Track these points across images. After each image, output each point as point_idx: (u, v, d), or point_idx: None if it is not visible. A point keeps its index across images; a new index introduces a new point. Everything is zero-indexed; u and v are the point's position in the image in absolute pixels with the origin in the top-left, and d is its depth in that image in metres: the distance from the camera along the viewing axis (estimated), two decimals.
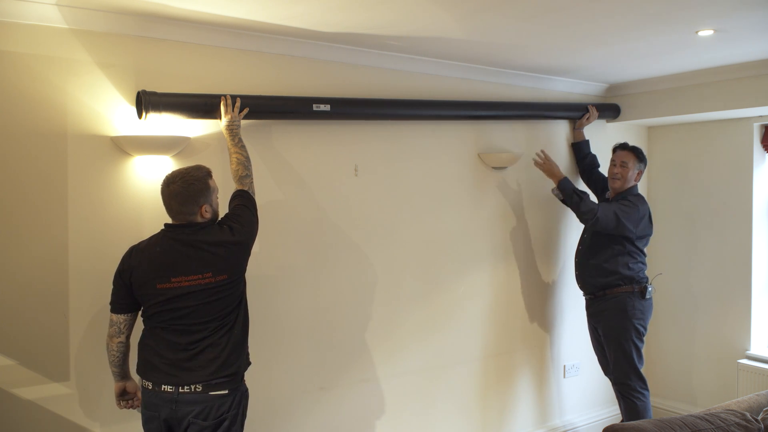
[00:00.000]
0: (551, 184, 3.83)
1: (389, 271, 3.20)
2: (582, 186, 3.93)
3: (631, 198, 3.37)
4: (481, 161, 3.54)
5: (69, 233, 2.38)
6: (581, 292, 3.68)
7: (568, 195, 3.36)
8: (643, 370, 3.40)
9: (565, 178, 3.41)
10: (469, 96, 3.46)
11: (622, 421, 3.62)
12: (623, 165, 3.42)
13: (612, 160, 3.50)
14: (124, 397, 2.31)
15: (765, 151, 3.85)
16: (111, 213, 2.47)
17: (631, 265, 3.37)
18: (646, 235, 3.41)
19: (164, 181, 2.17)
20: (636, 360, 3.36)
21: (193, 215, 2.16)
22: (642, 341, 3.39)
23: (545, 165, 3.46)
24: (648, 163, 4.36)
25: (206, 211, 2.18)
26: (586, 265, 3.50)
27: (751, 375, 3.75)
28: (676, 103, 3.81)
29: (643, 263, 3.43)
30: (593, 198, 3.79)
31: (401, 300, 3.25)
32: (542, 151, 3.49)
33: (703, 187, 4.07)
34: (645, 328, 3.40)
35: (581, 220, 3.35)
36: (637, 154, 3.43)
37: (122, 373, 2.28)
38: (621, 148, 3.48)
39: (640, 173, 3.45)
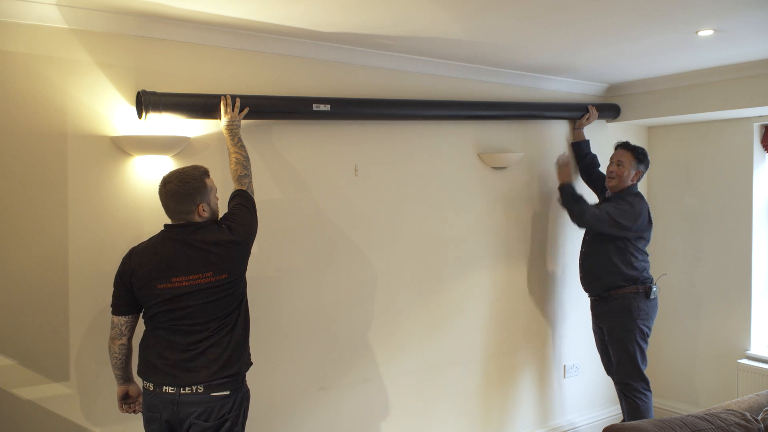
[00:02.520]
0: (550, 182, 3.84)
1: (389, 271, 3.20)
2: (583, 187, 3.94)
3: (627, 197, 3.36)
4: (481, 161, 3.54)
5: (69, 233, 2.38)
6: (582, 292, 3.68)
7: (566, 197, 3.44)
8: (645, 371, 3.40)
9: (568, 183, 3.51)
10: (469, 96, 3.46)
11: (623, 421, 3.62)
12: (619, 164, 3.41)
13: (610, 158, 3.50)
14: (126, 401, 2.31)
15: (765, 151, 3.85)
16: (111, 213, 2.47)
17: (635, 265, 3.36)
18: (645, 232, 3.39)
19: (161, 181, 2.18)
20: (640, 361, 3.36)
21: (190, 214, 2.16)
22: (646, 342, 3.39)
23: (566, 167, 3.60)
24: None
25: (204, 210, 2.18)
26: (590, 267, 3.50)
27: (751, 375, 3.75)
28: (676, 103, 3.81)
29: (646, 263, 3.42)
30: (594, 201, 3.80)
31: (401, 300, 3.25)
32: (567, 156, 3.67)
33: (703, 187, 4.07)
34: (649, 329, 3.39)
35: (572, 221, 3.42)
36: (636, 154, 3.39)
37: (125, 377, 2.27)
38: (621, 146, 3.47)
39: (638, 174, 3.42)
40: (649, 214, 3.40)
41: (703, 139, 4.07)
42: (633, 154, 3.40)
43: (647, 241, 3.44)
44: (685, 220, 4.18)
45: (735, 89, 3.53)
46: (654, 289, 3.38)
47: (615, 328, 3.40)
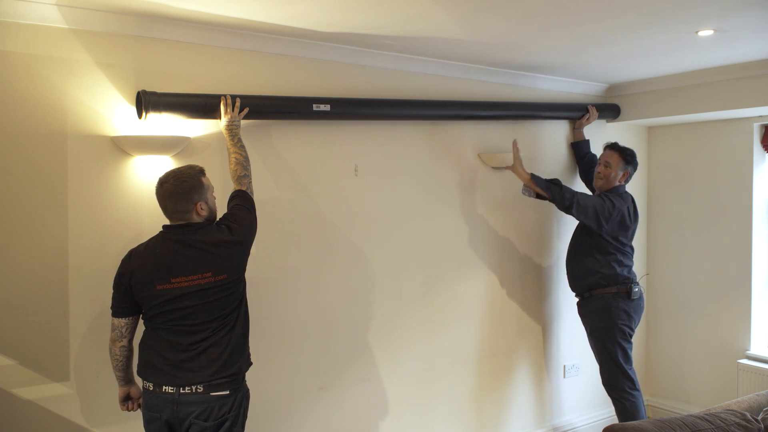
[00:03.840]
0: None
1: (389, 271, 3.20)
2: (581, 186, 3.94)
3: (611, 195, 3.34)
4: (481, 161, 3.54)
5: (69, 233, 2.38)
6: None
7: (544, 188, 3.24)
8: (641, 371, 3.40)
9: (533, 174, 3.27)
10: (469, 96, 3.46)
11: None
12: (606, 165, 3.40)
13: (599, 158, 3.50)
14: (127, 402, 2.32)
15: (765, 151, 3.85)
16: (111, 213, 2.47)
17: (613, 264, 3.36)
18: (618, 233, 3.36)
19: (158, 182, 2.18)
20: (622, 361, 3.35)
21: (188, 213, 2.16)
22: (628, 342, 3.38)
23: (516, 161, 3.27)
24: (648, 163, 4.37)
25: (202, 209, 2.18)
26: (573, 266, 3.53)
27: (751, 375, 3.75)
28: (676, 103, 3.81)
29: (626, 264, 3.42)
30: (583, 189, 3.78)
31: (400, 300, 3.25)
32: (515, 142, 3.32)
33: (703, 187, 4.07)
34: (631, 329, 3.39)
35: (563, 208, 3.26)
36: (624, 156, 3.39)
37: (126, 378, 2.28)
38: (609, 147, 3.46)
39: (626, 175, 3.41)
40: (630, 214, 3.38)
41: (703, 139, 4.07)
42: (621, 156, 3.39)
43: (628, 241, 3.43)
44: (684, 220, 4.18)
45: (735, 89, 3.53)
46: (636, 289, 3.37)
47: (596, 328, 3.42)
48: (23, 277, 2.32)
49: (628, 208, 3.38)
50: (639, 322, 3.47)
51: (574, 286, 3.57)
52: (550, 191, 3.25)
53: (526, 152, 3.70)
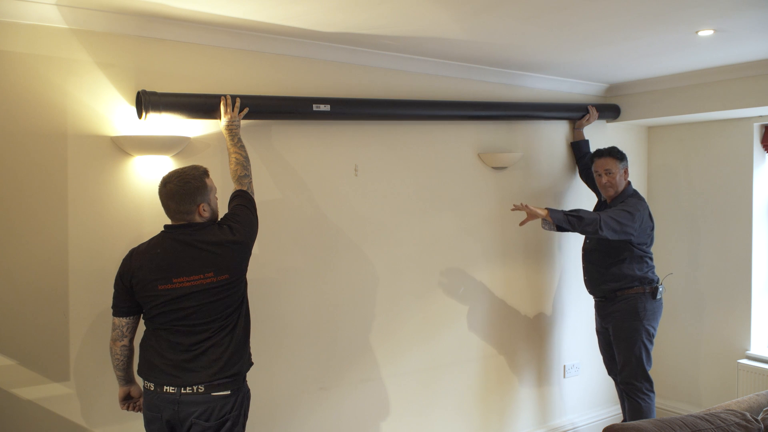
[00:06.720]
0: (549, 182, 3.83)
1: (389, 271, 3.20)
2: (582, 185, 3.93)
3: (628, 200, 3.32)
4: (481, 161, 3.54)
5: (69, 233, 2.38)
6: (582, 291, 3.67)
7: (563, 221, 3.09)
8: (649, 372, 3.39)
9: (549, 209, 3.11)
10: (469, 96, 3.46)
11: (623, 421, 3.62)
12: (608, 173, 3.38)
13: (596, 171, 3.45)
14: (127, 401, 2.32)
15: (765, 151, 3.85)
16: (111, 213, 2.47)
17: (642, 266, 3.35)
18: (646, 236, 3.38)
19: (161, 181, 2.17)
20: (645, 361, 3.35)
21: (191, 214, 2.15)
22: (651, 343, 3.37)
23: (527, 209, 3.11)
24: (648, 164, 4.38)
25: (204, 210, 2.18)
26: (597, 270, 3.46)
27: (751, 375, 3.75)
28: (676, 103, 3.81)
29: (652, 264, 3.41)
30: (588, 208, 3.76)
31: (401, 300, 3.25)
32: (519, 204, 3.16)
33: (703, 187, 4.07)
34: (655, 330, 3.38)
35: (588, 235, 3.17)
36: (616, 155, 3.39)
37: (126, 378, 2.27)
38: (598, 155, 3.44)
39: (626, 171, 3.42)
40: (649, 214, 3.39)
41: (703, 139, 4.07)
42: (614, 157, 3.39)
43: (652, 241, 3.43)
44: (685, 221, 4.18)
45: (735, 89, 3.53)
46: (660, 289, 3.37)
47: (621, 328, 3.39)
48: (23, 277, 2.32)
49: (647, 207, 3.37)
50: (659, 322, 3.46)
51: (596, 289, 3.49)
52: (570, 224, 3.10)
53: (526, 152, 3.70)
